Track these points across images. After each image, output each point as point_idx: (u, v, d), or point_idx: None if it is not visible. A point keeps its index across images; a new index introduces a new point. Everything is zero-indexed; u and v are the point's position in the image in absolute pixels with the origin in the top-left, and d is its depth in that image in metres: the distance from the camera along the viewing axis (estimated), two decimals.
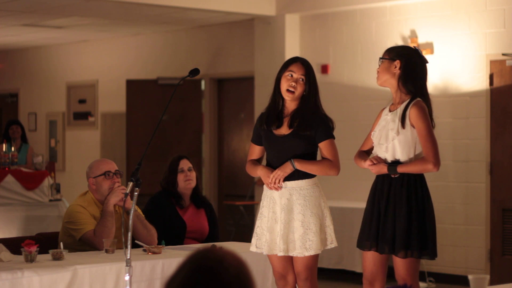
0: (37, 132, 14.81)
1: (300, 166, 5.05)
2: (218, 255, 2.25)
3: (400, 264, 4.80)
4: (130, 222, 4.49)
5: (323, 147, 5.11)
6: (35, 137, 14.43)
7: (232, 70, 11.91)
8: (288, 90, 5.09)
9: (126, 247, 4.50)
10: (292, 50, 10.51)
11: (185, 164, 6.28)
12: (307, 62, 5.19)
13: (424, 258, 4.78)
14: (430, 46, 9.43)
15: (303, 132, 5.06)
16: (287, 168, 5.05)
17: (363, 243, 4.93)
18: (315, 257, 5.09)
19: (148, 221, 5.70)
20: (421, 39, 9.49)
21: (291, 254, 5.05)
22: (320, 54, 10.36)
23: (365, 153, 4.99)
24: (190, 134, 12.10)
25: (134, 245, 5.27)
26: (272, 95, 5.21)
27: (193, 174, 6.27)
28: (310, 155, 5.12)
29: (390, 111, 4.88)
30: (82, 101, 14.08)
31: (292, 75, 5.11)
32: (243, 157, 11.77)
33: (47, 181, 9.26)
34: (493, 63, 9.01)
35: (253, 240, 5.17)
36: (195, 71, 5.14)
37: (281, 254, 5.04)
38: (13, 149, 9.46)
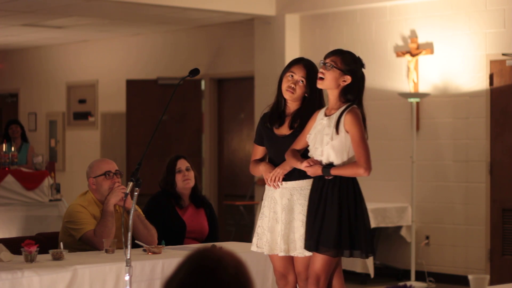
0: (37, 132, 14.81)
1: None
2: (216, 255, 2.25)
3: (316, 260, 4.86)
4: (130, 222, 4.49)
5: None
6: (35, 137, 14.43)
7: (232, 70, 11.91)
8: (287, 90, 5.10)
9: (126, 247, 4.50)
10: (292, 50, 10.51)
11: (182, 164, 6.26)
12: (310, 64, 5.17)
13: (355, 257, 4.93)
14: (430, 46, 9.43)
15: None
16: (287, 166, 5.05)
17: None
18: None
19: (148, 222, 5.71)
20: (421, 39, 9.50)
21: (291, 254, 5.05)
22: (320, 54, 10.24)
23: (298, 152, 5.04)
24: (190, 134, 12.10)
25: (134, 245, 5.27)
26: (276, 94, 5.21)
27: (191, 174, 6.26)
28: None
29: (325, 115, 4.94)
30: (82, 101, 14.08)
31: (292, 76, 5.10)
32: (243, 157, 11.78)
33: (47, 181, 9.25)
34: (493, 63, 9.01)
35: (254, 239, 5.18)
36: (195, 71, 5.14)
37: (281, 254, 5.04)
38: (13, 149, 9.45)
